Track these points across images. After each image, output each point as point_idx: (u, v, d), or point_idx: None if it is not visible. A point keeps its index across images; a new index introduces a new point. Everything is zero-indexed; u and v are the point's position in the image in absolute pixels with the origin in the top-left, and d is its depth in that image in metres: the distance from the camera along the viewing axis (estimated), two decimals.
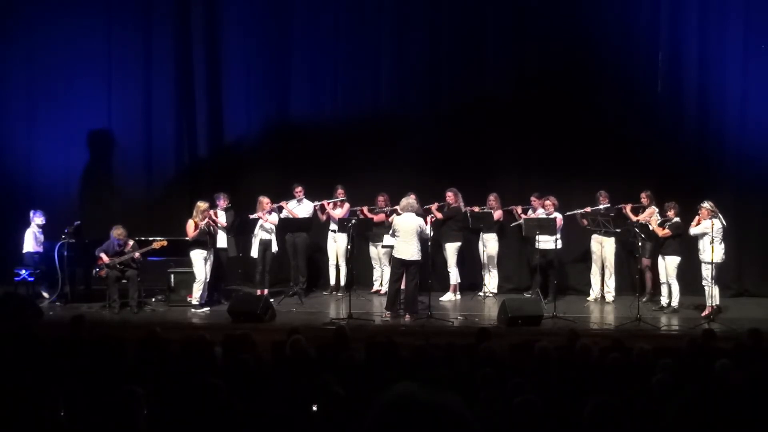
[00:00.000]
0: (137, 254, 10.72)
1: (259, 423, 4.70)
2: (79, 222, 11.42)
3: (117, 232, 10.69)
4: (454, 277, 11.55)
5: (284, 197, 11.73)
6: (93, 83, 13.08)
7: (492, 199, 11.66)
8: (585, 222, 11.33)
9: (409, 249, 10.03)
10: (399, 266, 10.18)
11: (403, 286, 10.26)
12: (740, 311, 10.75)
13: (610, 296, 11.41)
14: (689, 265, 10.69)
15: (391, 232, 10.44)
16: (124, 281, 10.69)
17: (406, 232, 10.05)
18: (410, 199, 10.34)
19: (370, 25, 12.88)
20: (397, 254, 10.20)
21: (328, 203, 11.82)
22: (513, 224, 11.83)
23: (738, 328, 9.03)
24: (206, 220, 10.66)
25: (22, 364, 6.17)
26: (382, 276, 11.81)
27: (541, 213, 11.31)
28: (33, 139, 13.20)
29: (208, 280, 10.80)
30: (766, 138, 12.01)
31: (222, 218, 11.11)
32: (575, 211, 11.38)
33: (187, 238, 10.66)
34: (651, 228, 10.68)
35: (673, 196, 10.89)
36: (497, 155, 12.58)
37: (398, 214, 10.48)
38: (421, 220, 10.22)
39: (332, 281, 12.09)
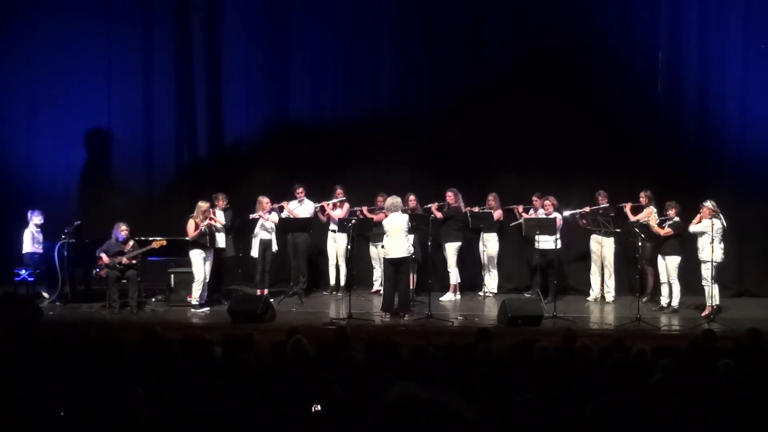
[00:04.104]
0: (134, 260, 10.72)
1: (259, 423, 4.70)
2: (79, 222, 11.42)
3: (122, 228, 10.71)
4: (454, 277, 11.55)
5: (284, 197, 11.73)
6: (93, 83, 13.09)
7: (491, 198, 11.66)
8: (583, 222, 11.33)
9: (397, 247, 10.00)
10: (389, 266, 10.13)
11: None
12: (740, 311, 10.75)
13: (610, 296, 11.41)
14: (689, 265, 10.69)
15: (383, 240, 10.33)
16: (124, 281, 10.69)
17: (394, 230, 10.02)
18: (395, 199, 10.27)
19: (369, 25, 12.89)
20: (386, 255, 10.14)
21: (328, 204, 11.82)
22: (513, 224, 11.83)
23: (738, 328, 9.01)
24: (207, 221, 10.66)
25: (22, 364, 6.17)
26: (382, 276, 11.79)
27: (541, 213, 11.32)
28: (33, 139, 13.21)
29: (207, 280, 10.80)
30: (766, 138, 12.01)
31: (221, 218, 11.11)
32: (574, 211, 11.38)
33: (187, 238, 10.67)
34: (651, 228, 10.68)
35: (673, 196, 10.88)
36: (497, 155, 12.58)
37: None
38: (405, 218, 10.17)
39: (332, 281, 12.09)
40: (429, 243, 10.72)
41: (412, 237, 10.55)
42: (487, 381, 5.48)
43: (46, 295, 11.36)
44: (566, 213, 11.36)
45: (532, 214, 11.53)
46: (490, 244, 11.70)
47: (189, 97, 13.11)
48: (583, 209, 11.32)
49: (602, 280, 11.51)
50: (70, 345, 6.98)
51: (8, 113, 13.33)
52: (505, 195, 11.87)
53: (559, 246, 10.98)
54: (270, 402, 5.08)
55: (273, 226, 11.43)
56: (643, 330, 9.51)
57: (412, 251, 10.35)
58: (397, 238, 10.02)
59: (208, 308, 10.76)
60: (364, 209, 11.74)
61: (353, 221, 10.88)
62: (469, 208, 11.58)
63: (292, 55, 12.99)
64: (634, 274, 10.84)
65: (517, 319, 9.57)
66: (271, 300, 10.63)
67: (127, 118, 13.18)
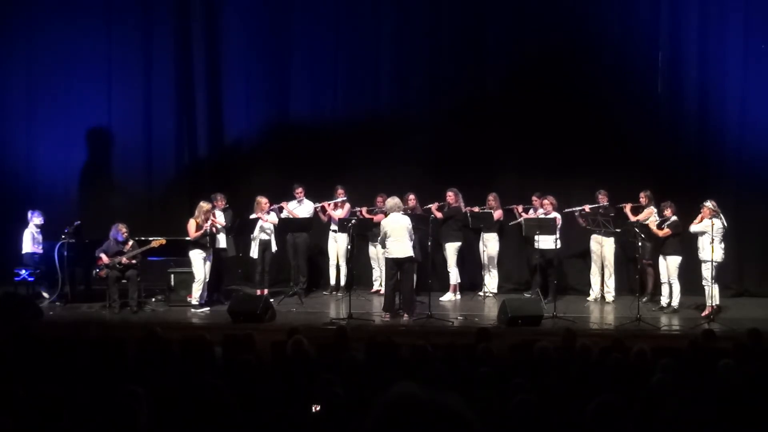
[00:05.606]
0: (134, 260, 10.72)
1: (259, 423, 4.70)
2: (78, 222, 11.42)
3: (121, 229, 10.72)
4: (454, 277, 11.55)
5: (284, 197, 11.73)
6: (93, 83, 13.09)
7: (491, 198, 11.66)
8: (583, 221, 11.33)
9: (401, 247, 9.99)
10: (393, 266, 10.12)
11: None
12: (740, 311, 10.75)
13: (610, 296, 11.41)
14: (689, 265, 10.69)
15: (380, 237, 10.26)
16: (124, 281, 10.69)
17: (396, 231, 9.99)
18: (395, 200, 10.27)
19: (369, 25, 12.89)
20: (389, 255, 10.11)
21: (329, 204, 11.82)
22: (512, 223, 11.83)
23: (738, 328, 9.02)
24: (209, 222, 10.66)
25: (22, 364, 6.16)
26: (381, 276, 11.79)
27: (540, 213, 11.32)
28: (33, 139, 13.21)
29: (207, 280, 10.80)
30: (766, 138, 12.01)
31: (220, 218, 11.11)
32: (574, 209, 11.38)
33: (188, 238, 10.67)
34: (651, 230, 10.67)
35: (673, 196, 10.89)
36: (497, 155, 12.58)
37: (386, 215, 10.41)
38: (408, 219, 10.16)
39: (332, 281, 12.09)
40: (429, 243, 10.71)
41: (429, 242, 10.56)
42: (487, 381, 5.47)
43: (46, 295, 11.36)
44: (566, 210, 11.36)
45: (531, 213, 11.53)
46: (490, 244, 11.70)
47: (189, 97, 13.11)
48: (583, 208, 11.31)
49: (602, 280, 11.51)
50: (70, 345, 6.98)
51: (8, 113, 13.33)
52: (505, 195, 11.87)
53: (558, 246, 10.98)
54: (270, 402, 5.08)
55: (271, 226, 11.42)
56: (643, 330, 9.50)
57: (413, 253, 10.18)
58: (398, 239, 10.00)
59: (208, 308, 10.76)
60: (363, 210, 11.74)
61: (353, 221, 10.88)
62: (469, 208, 11.58)
63: (292, 55, 12.99)
64: (634, 274, 10.84)
65: (517, 319, 9.57)
66: (271, 300, 10.63)
67: (127, 118, 13.18)
